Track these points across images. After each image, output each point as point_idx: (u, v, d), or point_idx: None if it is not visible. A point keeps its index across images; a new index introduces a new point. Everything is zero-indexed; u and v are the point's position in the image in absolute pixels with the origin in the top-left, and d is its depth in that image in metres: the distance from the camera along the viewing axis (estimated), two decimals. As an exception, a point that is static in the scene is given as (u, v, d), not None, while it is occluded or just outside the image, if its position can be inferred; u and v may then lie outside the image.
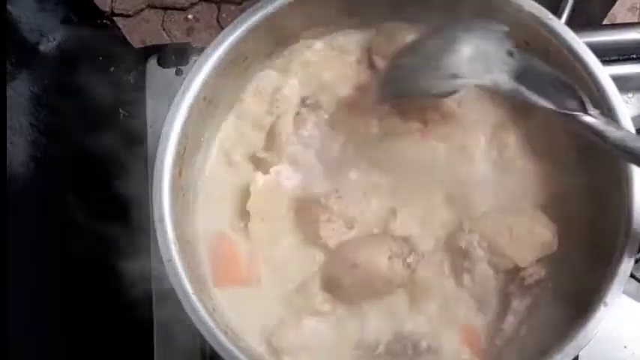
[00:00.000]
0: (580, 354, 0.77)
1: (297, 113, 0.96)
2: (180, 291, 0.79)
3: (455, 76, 0.78)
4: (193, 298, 0.79)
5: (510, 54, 0.80)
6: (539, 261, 0.87)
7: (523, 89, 0.78)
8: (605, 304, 0.76)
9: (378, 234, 0.91)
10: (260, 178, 0.92)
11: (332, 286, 0.88)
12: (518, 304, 0.87)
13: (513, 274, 0.88)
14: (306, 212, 0.91)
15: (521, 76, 0.79)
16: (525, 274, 0.86)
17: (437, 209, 0.92)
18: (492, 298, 0.88)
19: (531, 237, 0.87)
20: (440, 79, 0.80)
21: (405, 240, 0.87)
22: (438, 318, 0.88)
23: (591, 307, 0.77)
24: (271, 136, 0.95)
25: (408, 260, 0.85)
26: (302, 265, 0.91)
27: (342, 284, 0.87)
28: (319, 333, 0.89)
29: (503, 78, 0.78)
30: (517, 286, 0.87)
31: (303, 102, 0.97)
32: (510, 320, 0.86)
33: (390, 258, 0.85)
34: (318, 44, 0.99)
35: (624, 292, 0.78)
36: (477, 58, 0.78)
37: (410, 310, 0.89)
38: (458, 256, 0.89)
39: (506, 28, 0.81)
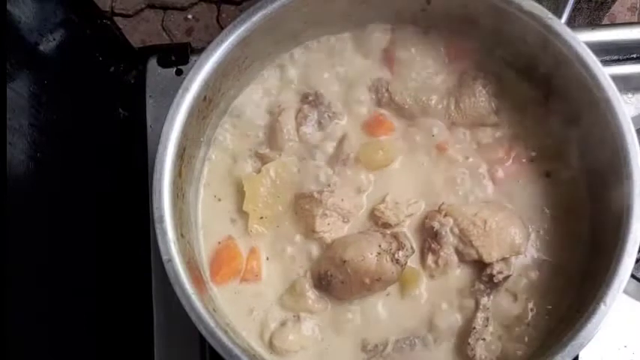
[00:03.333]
0: (580, 354, 0.77)
1: (299, 110, 0.96)
2: (180, 291, 0.79)
3: None
4: (193, 298, 0.79)
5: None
6: (505, 259, 0.88)
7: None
8: (605, 304, 0.76)
9: (368, 231, 0.91)
10: (255, 178, 0.93)
11: (323, 283, 0.88)
12: (487, 302, 0.88)
13: (476, 270, 0.90)
14: (301, 208, 0.92)
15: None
16: (493, 272, 0.87)
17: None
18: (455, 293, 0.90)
19: (502, 235, 0.88)
20: None
21: (395, 236, 0.88)
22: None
23: (591, 307, 0.77)
24: (272, 133, 0.96)
25: (397, 256, 0.86)
26: (300, 262, 0.92)
27: (332, 281, 0.87)
28: (319, 334, 0.90)
29: None
30: (484, 283, 0.88)
31: (304, 99, 0.97)
32: (480, 317, 0.87)
33: (378, 254, 0.85)
34: (319, 43, 0.99)
35: (624, 292, 0.78)
36: None
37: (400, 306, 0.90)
38: (428, 236, 0.90)
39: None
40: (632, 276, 0.92)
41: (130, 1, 2.18)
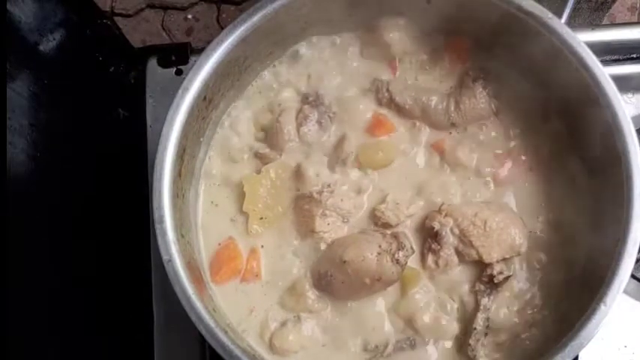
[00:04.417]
0: (580, 354, 0.77)
1: (299, 110, 0.96)
2: (180, 291, 0.79)
3: None
4: (193, 298, 0.79)
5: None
6: (505, 260, 0.88)
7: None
8: (605, 304, 0.76)
9: (368, 231, 0.91)
10: (255, 179, 0.93)
11: (323, 283, 0.88)
12: (487, 302, 0.88)
13: (476, 271, 0.90)
14: (301, 208, 0.92)
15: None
16: (494, 272, 0.87)
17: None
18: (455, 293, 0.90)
19: (502, 235, 0.88)
20: None
21: (395, 236, 0.88)
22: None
23: (591, 307, 0.77)
24: (273, 133, 0.96)
25: (397, 256, 0.86)
26: (300, 262, 0.92)
27: (332, 281, 0.87)
28: (320, 334, 0.90)
29: None
30: (485, 283, 0.88)
31: (304, 99, 0.97)
32: (481, 318, 0.87)
33: (379, 254, 0.85)
34: (319, 43, 0.99)
35: (624, 292, 0.78)
36: None
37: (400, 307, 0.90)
38: (428, 237, 0.90)
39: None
40: (632, 276, 0.92)
41: (130, 1, 2.18)
